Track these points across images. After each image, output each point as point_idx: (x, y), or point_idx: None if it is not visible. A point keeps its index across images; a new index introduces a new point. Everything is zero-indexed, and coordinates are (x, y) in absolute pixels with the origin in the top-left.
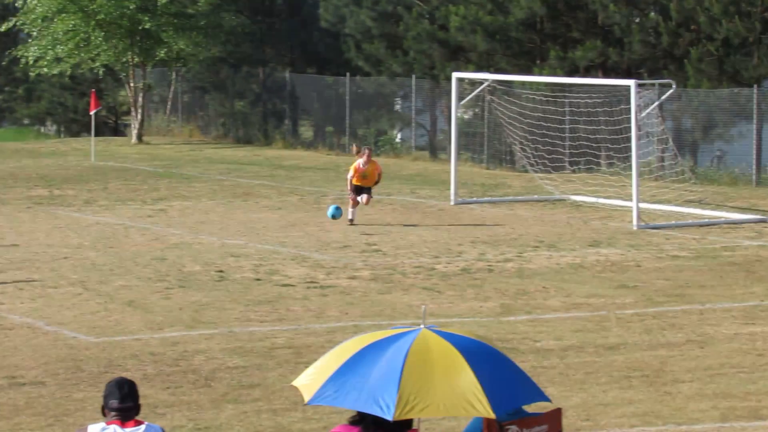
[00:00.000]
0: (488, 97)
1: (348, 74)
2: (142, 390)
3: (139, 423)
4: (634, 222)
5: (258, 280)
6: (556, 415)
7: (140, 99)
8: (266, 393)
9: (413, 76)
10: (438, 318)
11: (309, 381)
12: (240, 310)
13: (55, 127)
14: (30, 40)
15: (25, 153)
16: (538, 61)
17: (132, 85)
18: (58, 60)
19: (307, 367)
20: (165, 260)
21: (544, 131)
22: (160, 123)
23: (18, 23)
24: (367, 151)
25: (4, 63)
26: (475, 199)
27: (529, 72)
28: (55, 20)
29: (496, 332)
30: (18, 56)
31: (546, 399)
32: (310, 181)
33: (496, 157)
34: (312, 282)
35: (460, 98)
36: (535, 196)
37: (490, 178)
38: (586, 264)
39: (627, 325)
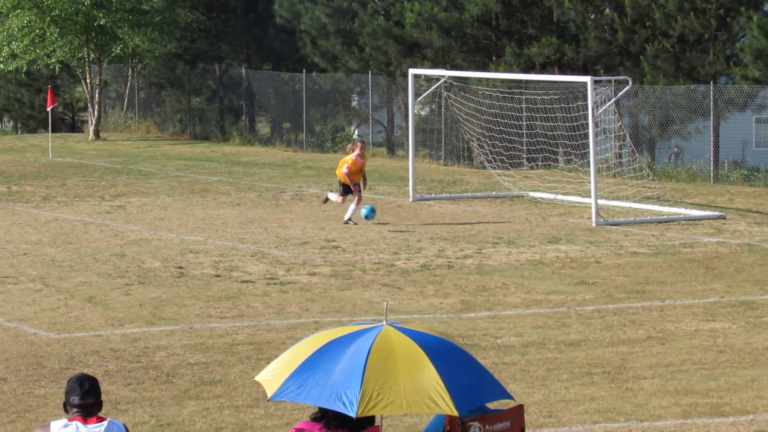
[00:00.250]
0: (445, 94)
1: (304, 71)
2: (104, 386)
3: (101, 419)
4: (593, 218)
5: (218, 276)
6: (518, 411)
7: (97, 95)
8: (228, 389)
9: (369, 73)
10: (398, 314)
11: (272, 376)
12: (200, 306)
13: (11, 123)
14: None
15: None
16: (494, 58)
17: (88, 81)
18: (13, 56)
19: (268, 363)
20: (124, 256)
21: (501, 128)
22: (117, 119)
23: None
24: (360, 144)
25: None
26: (433, 195)
27: (485, 68)
28: (10, 16)
29: (457, 329)
30: None
31: (509, 396)
32: (268, 178)
33: (454, 154)
34: (272, 278)
35: (416, 95)
36: (494, 193)
37: (448, 174)
38: (545, 260)
39: (587, 321)
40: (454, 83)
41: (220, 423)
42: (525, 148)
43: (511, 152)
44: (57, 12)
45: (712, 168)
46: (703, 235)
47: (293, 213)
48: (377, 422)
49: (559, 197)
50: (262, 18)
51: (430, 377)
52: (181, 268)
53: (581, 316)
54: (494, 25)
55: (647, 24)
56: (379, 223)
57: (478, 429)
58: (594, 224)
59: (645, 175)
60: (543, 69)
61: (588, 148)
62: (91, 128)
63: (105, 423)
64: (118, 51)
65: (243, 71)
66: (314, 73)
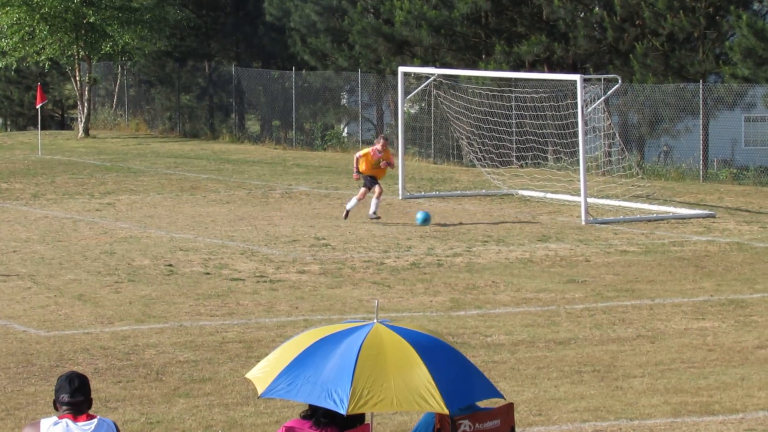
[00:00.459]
0: (434, 92)
1: (294, 68)
2: (94, 384)
3: (91, 417)
4: (583, 217)
5: (207, 274)
6: (508, 410)
7: (86, 93)
8: (218, 387)
9: (359, 71)
10: (388, 312)
11: (262, 374)
12: (190, 304)
13: (1, 121)
14: None
15: None
16: (483, 56)
17: (78, 78)
18: (3, 53)
19: (258, 361)
20: (114, 254)
21: (490, 126)
22: (107, 117)
23: None
24: (383, 140)
25: None
26: (423, 193)
27: (474, 67)
28: None
29: (447, 327)
30: None
31: (499, 395)
32: (257, 175)
33: (443, 152)
34: (261, 276)
35: (406, 93)
36: (483, 191)
37: (438, 172)
38: (535, 259)
39: (577, 320)
40: (444, 81)
41: (210, 421)
42: (514, 146)
43: (500, 150)
44: (46, 9)
45: (701, 166)
46: (693, 233)
47: (283, 211)
48: (367, 420)
49: (549, 195)
50: (252, 16)
51: (420, 375)
52: (170, 265)
53: (571, 315)
54: (484, 23)
55: (637, 22)
56: (378, 224)
57: (469, 427)
58: (583, 222)
59: (634, 173)
60: (532, 67)
61: (577, 146)
62: (81, 126)
63: (95, 421)
64: (107, 48)
65: (233, 69)
66: (304, 71)
